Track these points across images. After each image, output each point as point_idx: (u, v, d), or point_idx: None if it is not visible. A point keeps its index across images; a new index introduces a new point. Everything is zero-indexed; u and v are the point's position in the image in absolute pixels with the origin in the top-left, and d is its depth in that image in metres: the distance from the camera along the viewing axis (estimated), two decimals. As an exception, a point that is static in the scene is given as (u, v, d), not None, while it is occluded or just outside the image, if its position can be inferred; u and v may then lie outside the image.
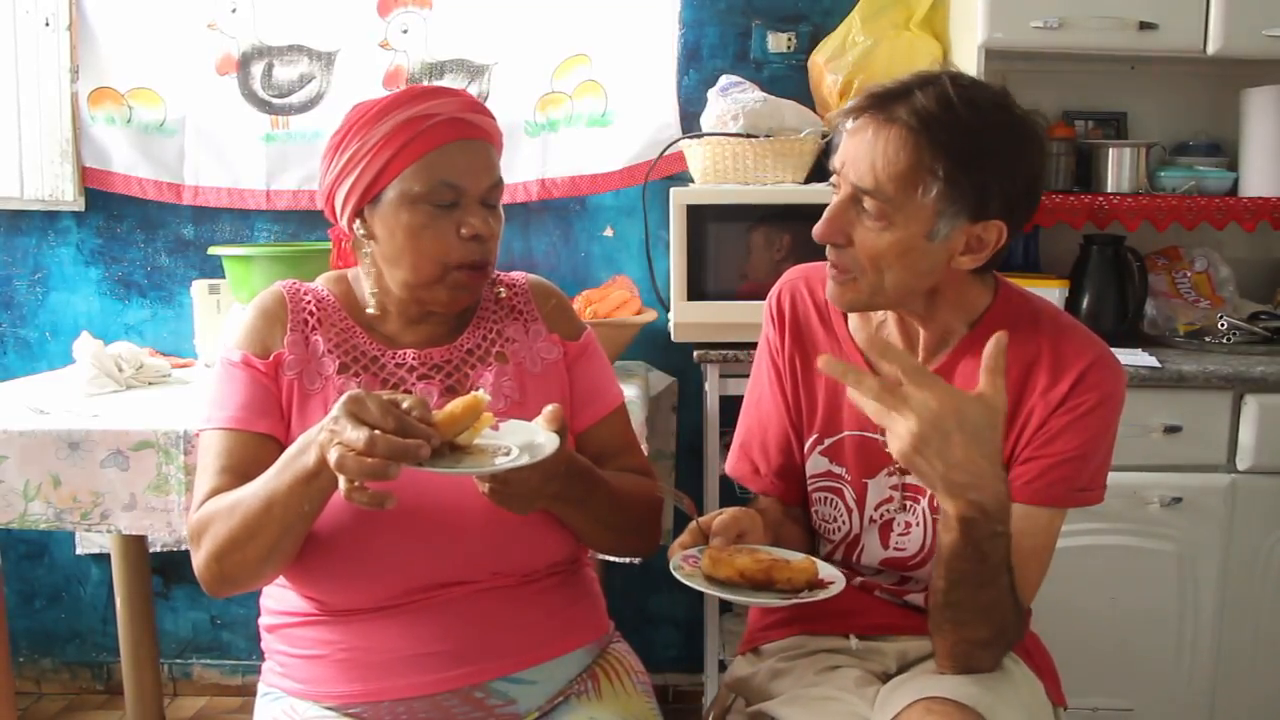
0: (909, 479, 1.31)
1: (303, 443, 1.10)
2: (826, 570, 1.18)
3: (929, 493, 1.30)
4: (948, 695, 1.12)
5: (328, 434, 1.04)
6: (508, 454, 1.08)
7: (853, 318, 1.36)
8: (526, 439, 1.11)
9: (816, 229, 1.22)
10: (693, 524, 1.21)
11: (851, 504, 1.35)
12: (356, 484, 1.02)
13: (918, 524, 1.32)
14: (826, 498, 1.37)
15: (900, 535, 1.33)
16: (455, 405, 1.07)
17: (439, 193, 1.23)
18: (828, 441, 1.36)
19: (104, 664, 2.74)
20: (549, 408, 1.14)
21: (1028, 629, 1.26)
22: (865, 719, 1.22)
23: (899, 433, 1.01)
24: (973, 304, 1.28)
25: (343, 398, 1.05)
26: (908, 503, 1.32)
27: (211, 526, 1.16)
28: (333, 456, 1.02)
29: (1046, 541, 1.24)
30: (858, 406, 1.25)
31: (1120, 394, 1.25)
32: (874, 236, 1.18)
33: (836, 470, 1.36)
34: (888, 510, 1.33)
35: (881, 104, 1.17)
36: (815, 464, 1.37)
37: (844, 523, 1.36)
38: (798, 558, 1.17)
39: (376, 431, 1.01)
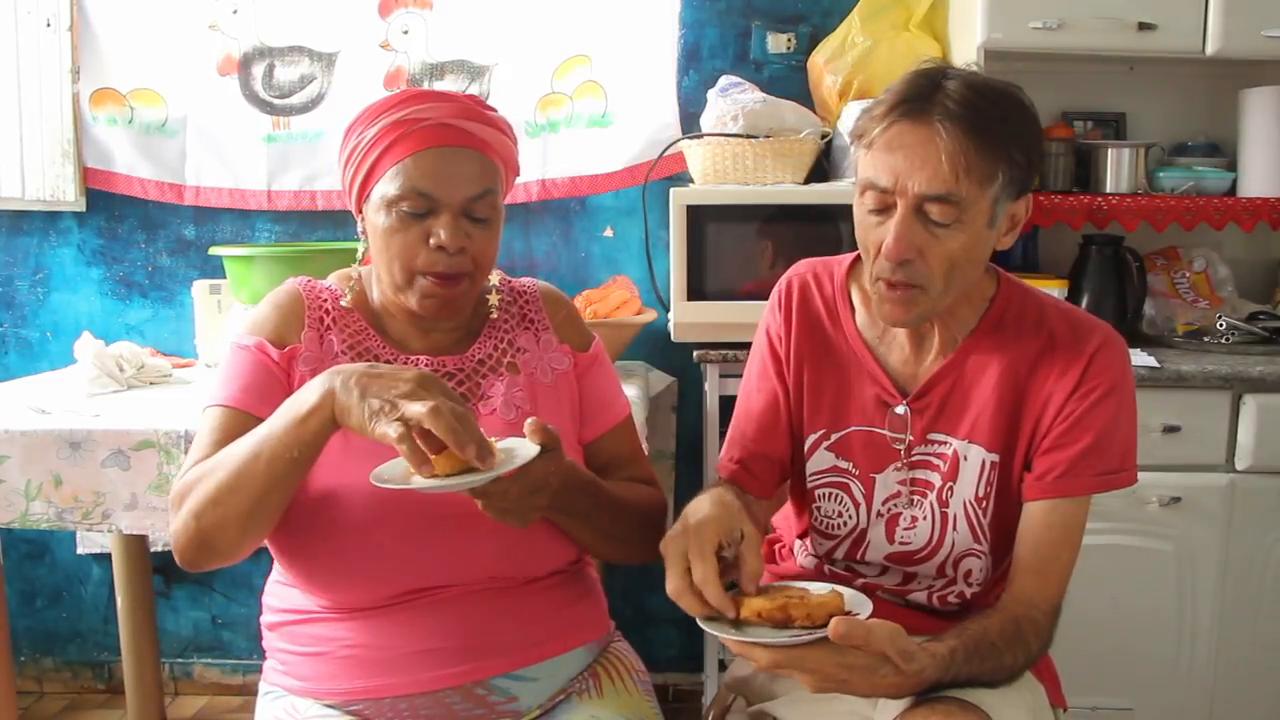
0: (917, 474, 1.31)
1: (304, 389, 1.10)
2: (852, 597, 1.09)
3: (937, 487, 1.30)
4: (952, 694, 1.12)
5: (408, 386, 1.05)
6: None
7: (861, 314, 1.35)
8: (513, 453, 1.11)
9: (890, 251, 1.16)
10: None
11: (859, 498, 1.34)
12: (407, 432, 1.02)
13: (925, 518, 1.31)
14: (832, 493, 1.36)
15: (906, 529, 1.33)
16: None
17: (412, 200, 1.21)
18: (835, 436, 1.35)
19: (105, 663, 2.74)
20: (529, 421, 1.13)
21: (1052, 632, 1.23)
22: (867, 718, 1.22)
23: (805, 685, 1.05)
24: (981, 295, 1.29)
25: (421, 371, 1.08)
26: (915, 497, 1.32)
27: (196, 487, 1.13)
28: (418, 409, 1.02)
29: (1075, 531, 1.24)
30: (865, 400, 1.26)
31: (1130, 372, 1.27)
32: (947, 242, 1.16)
33: (843, 465, 1.35)
34: (895, 505, 1.33)
35: (918, 109, 1.14)
36: (820, 460, 1.36)
37: (850, 517, 1.35)
38: (821, 590, 1.09)
39: (470, 419, 1.04)
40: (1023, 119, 1.18)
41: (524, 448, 1.12)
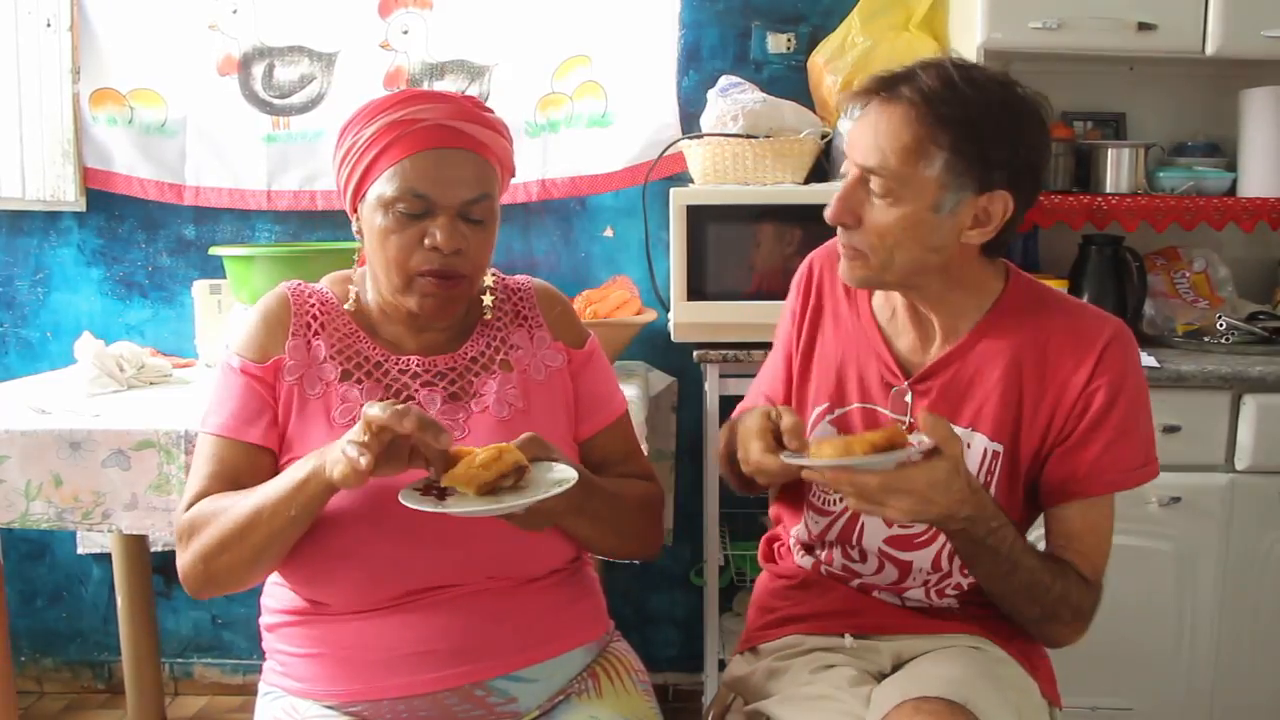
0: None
1: (303, 460, 1.15)
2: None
3: None
4: (938, 694, 1.13)
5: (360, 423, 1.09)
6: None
7: (879, 296, 1.37)
8: (544, 475, 1.15)
9: (827, 211, 1.25)
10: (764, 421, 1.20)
11: None
12: (363, 444, 1.06)
13: None
14: None
15: None
16: (485, 458, 1.11)
17: (408, 201, 1.21)
18: (837, 412, 1.37)
19: (105, 663, 2.74)
20: (524, 436, 1.17)
21: (1095, 599, 1.28)
22: (860, 717, 1.22)
23: (892, 517, 1.13)
24: (986, 289, 1.30)
25: (388, 404, 1.11)
26: None
27: (200, 530, 1.19)
28: (364, 416, 1.08)
29: (1105, 521, 1.28)
30: (870, 379, 1.32)
31: (1140, 365, 1.28)
32: (881, 213, 1.21)
33: None
34: None
35: (886, 86, 1.21)
36: (822, 433, 1.38)
37: None
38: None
39: (413, 408, 1.09)
40: (988, 113, 1.18)
41: (561, 471, 1.15)
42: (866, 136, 1.21)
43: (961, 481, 1.11)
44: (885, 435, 1.11)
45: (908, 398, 1.31)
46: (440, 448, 1.10)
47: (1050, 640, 1.30)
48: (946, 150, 1.17)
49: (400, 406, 1.07)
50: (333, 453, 1.10)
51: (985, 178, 1.19)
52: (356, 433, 1.08)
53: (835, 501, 1.36)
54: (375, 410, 1.07)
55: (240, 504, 1.17)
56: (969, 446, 1.28)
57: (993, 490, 1.28)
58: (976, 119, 1.17)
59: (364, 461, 1.05)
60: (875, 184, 1.21)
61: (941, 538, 1.31)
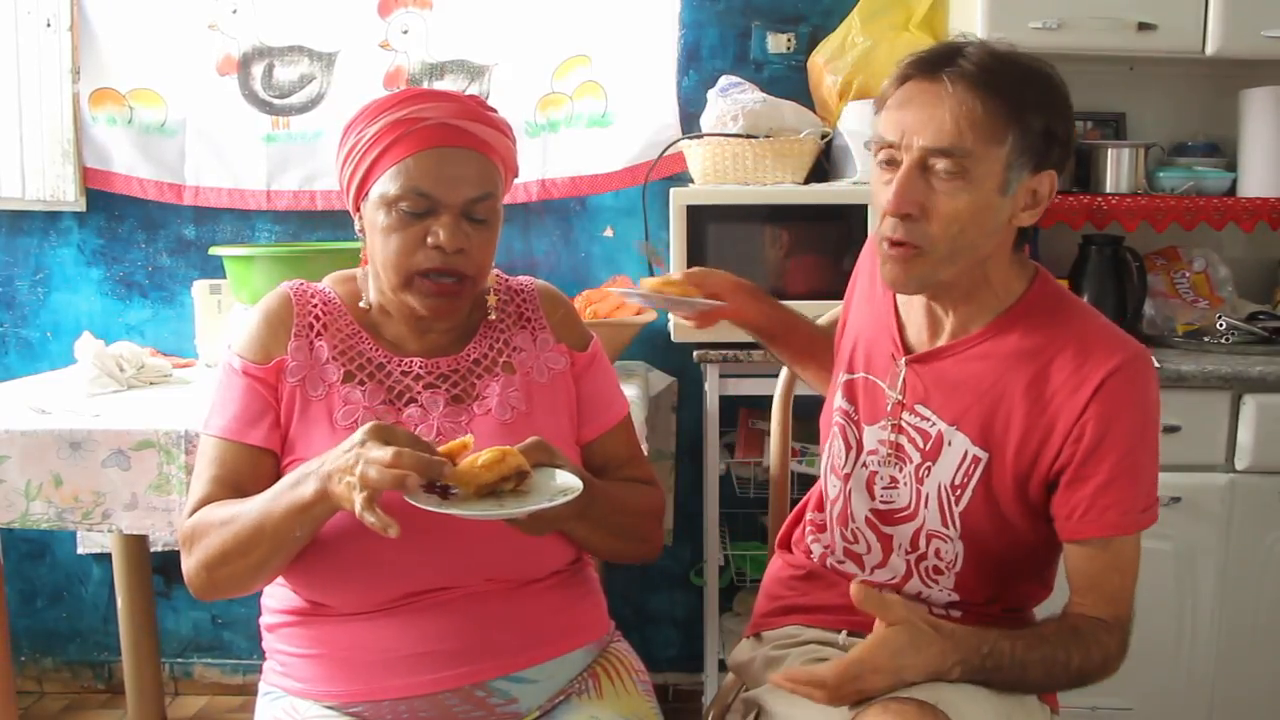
0: (901, 438, 1.31)
1: (302, 473, 1.13)
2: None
3: (915, 463, 1.30)
4: (910, 694, 1.11)
5: (354, 456, 1.07)
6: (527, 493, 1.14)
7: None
8: (548, 482, 1.16)
9: (890, 204, 1.17)
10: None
11: (852, 443, 1.37)
12: (369, 499, 1.04)
13: (905, 483, 1.31)
14: (836, 433, 1.40)
15: (886, 488, 1.33)
16: (489, 459, 1.11)
17: (412, 200, 1.21)
18: (849, 378, 1.39)
19: (105, 663, 2.74)
20: (530, 440, 1.17)
21: (1123, 642, 1.22)
22: (841, 712, 1.22)
23: (879, 697, 1.10)
24: (1007, 289, 1.26)
25: (368, 425, 1.10)
26: (891, 459, 1.32)
27: (204, 537, 1.19)
28: (358, 471, 1.05)
29: (1122, 558, 1.19)
30: (878, 351, 1.35)
31: (1150, 399, 1.20)
32: (949, 199, 1.15)
33: (847, 407, 1.38)
34: (874, 461, 1.34)
35: (932, 68, 1.16)
36: (837, 398, 1.41)
37: (843, 461, 1.38)
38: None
39: (405, 449, 1.06)
40: (1044, 88, 1.17)
41: (566, 479, 1.15)
42: (931, 119, 1.14)
43: (928, 637, 1.10)
44: (681, 287, 1.37)
45: (899, 362, 1.31)
46: (440, 478, 1.10)
47: (1091, 685, 1.25)
48: (1018, 126, 1.14)
49: (396, 458, 1.04)
50: (336, 485, 1.08)
51: (1045, 153, 1.17)
52: (365, 499, 1.04)
53: (839, 469, 1.38)
54: (374, 473, 1.04)
55: (243, 517, 1.16)
56: (949, 444, 1.27)
57: (968, 495, 1.26)
58: (1036, 92, 1.16)
59: (392, 532, 1.04)
60: (943, 166, 1.14)
61: (921, 515, 1.30)
